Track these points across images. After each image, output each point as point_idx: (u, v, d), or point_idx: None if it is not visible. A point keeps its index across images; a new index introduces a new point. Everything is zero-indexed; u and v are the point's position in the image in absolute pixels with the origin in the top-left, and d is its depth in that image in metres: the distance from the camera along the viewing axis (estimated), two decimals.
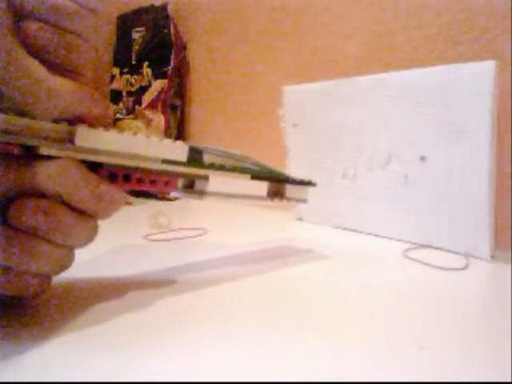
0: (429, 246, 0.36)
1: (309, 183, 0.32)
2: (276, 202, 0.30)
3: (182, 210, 0.58)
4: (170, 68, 0.71)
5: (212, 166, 0.25)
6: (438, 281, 0.28)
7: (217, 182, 0.25)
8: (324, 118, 0.45)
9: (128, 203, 0.21)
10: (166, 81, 0.71)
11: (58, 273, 0.20)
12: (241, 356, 0.18)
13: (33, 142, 0.18)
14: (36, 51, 0.17)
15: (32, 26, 0.17)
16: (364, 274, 0.30)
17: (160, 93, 0.71)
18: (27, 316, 0.21)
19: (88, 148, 0.19)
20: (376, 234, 0.41)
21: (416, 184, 0.37)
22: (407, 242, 0.38)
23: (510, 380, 0.16)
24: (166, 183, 0.23)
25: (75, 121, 0.19)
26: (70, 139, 0.19)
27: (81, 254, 0.21)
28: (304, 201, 0.32)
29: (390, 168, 0.39)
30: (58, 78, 0.18)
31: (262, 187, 0.29)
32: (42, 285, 0.20)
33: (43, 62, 0.17)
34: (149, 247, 0.36)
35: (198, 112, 0.75)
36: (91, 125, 0.19)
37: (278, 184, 0.30)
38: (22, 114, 0.17)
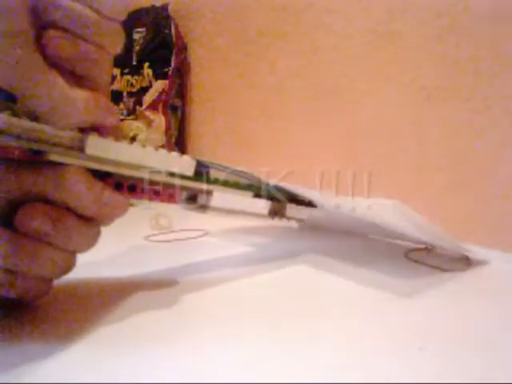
0: (430, 248, 0.36)
1: (309, 204, 0.32)
2: (276, 221, 0.31)
3: (182, 211, 0.58)
4: (170, 69, 0.71)
5: (216, 182, 0.25)
6: (439, 281, 0.28)
7: (220, 197, 0.26)
8: None
9: (129, 204, 0.22)
10: (166, 81, 0.71)
11: (59, 276, 0.21)
12: (243, 357, 0.18)
13: (43, 148, 0.18)
14: (54, 60, 0.17)
15: (52, 35, 0.17)
16: (365, 275, 0.30)
17: (161, 93, 0.71)
18: (28, 318, 0.21)
19: (97, 157, 0.19)
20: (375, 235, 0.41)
21: None
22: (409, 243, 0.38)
23: (510, 381, 0.16)
24: (171, 195, 0.23)
25: (87, 129, 0.19)
26: (79, 147, 0.19)
27: (82, 255, 0.21)
28: (303, 220, 0.34)
29: None
30: (76, 89, 0.18)
31: (264, 205, 0.30)
32: (44, 287, 0.20)
33: (60, 69, 0.17)
34: (150, 248, 0.36)
35: (198, 112, 0.75)
36: (102, 134, 0.19)
37: (280, 203, 0.31)
38: (36, 120, 0.17)
